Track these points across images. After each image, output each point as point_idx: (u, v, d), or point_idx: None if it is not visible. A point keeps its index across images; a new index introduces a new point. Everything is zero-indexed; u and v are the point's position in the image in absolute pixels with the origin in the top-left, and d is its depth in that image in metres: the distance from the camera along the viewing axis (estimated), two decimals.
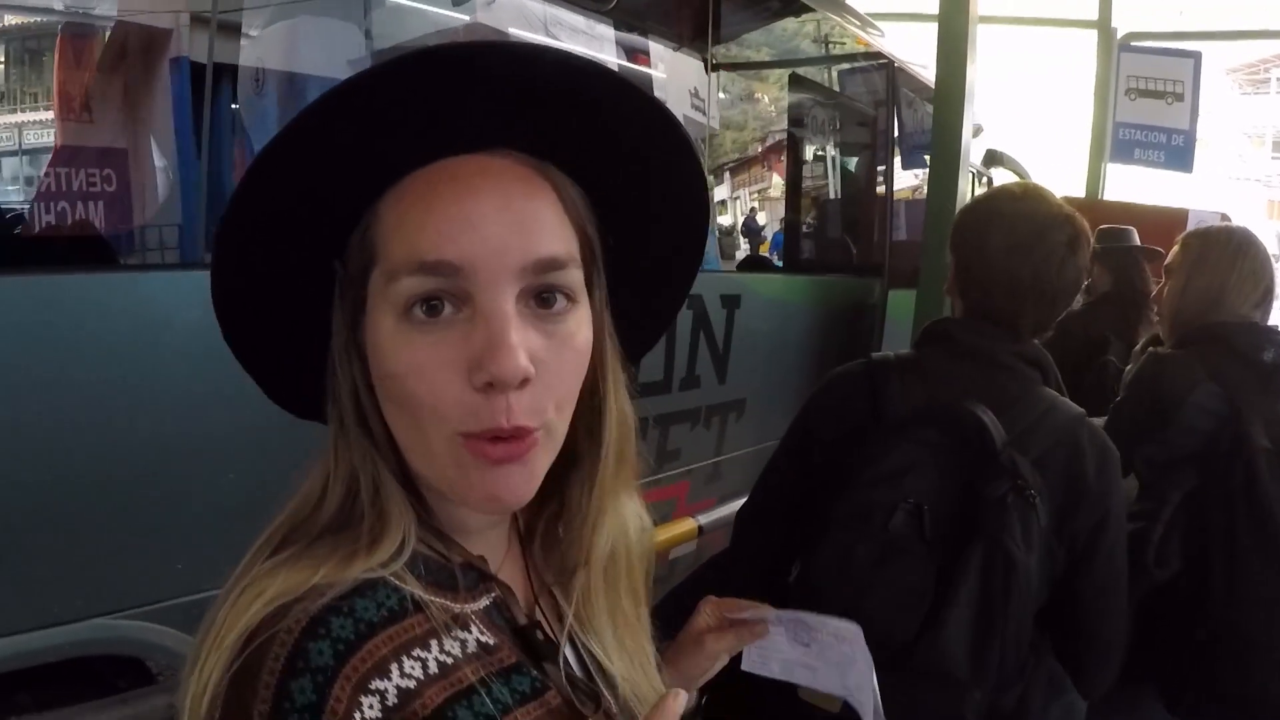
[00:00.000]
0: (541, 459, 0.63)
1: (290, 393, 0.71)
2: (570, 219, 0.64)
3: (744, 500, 1.71)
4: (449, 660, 0.61)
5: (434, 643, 0.61)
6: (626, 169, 0.67)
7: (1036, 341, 1.58)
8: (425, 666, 0.60)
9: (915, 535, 1.37)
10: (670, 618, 1.65)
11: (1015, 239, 1.50)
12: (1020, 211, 1.53)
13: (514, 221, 0.60)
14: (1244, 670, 1.84)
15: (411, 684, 0.58)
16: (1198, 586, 1.86)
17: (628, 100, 0.64)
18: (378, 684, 0.57)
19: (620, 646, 0.75)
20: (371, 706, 0.56)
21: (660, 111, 0.67)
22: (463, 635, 0.63)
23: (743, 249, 4.65)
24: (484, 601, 0.67)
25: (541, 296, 0.61)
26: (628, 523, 0.75)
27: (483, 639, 0.64)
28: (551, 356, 0.61)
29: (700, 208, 0.74)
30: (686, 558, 3.38)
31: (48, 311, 1.69)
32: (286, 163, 0.60)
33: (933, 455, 1.40)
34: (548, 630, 0.71)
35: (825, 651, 0.99)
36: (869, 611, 1.32)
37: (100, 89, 1.96)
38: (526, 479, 0.62)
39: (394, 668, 0.58)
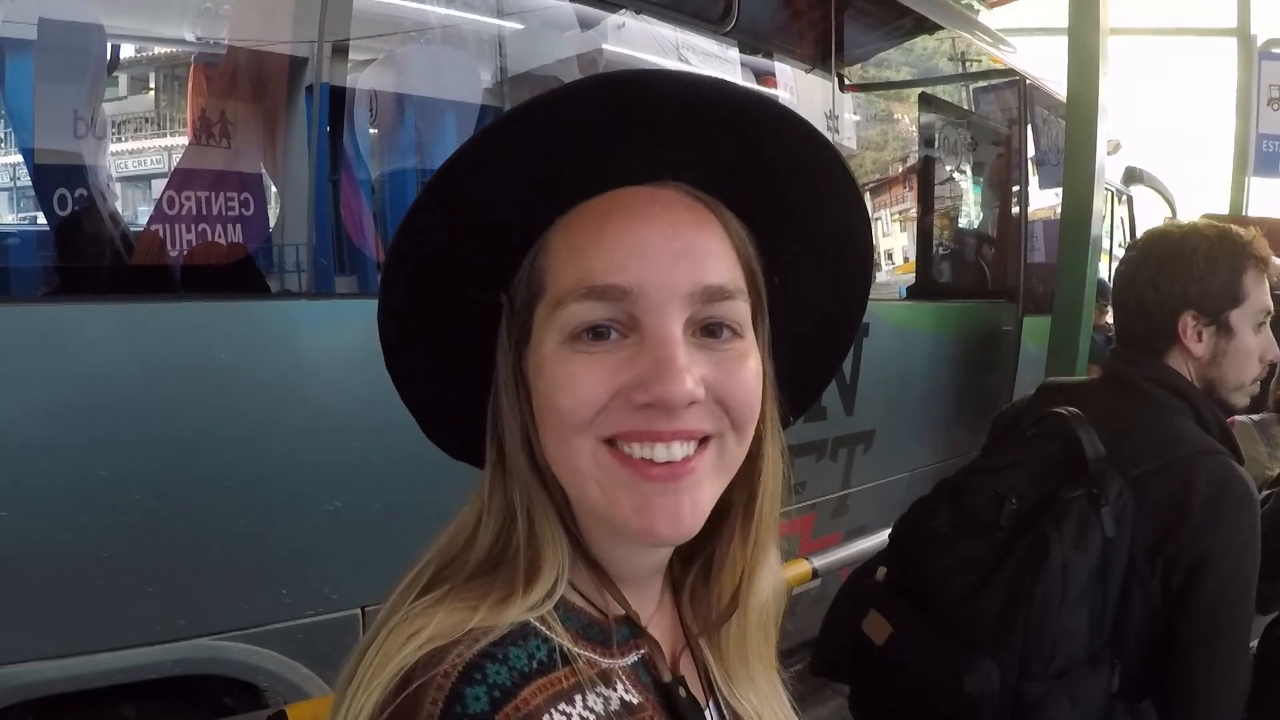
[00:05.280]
0: (707, 486, 0.61)
1: (446, 430, 0.70)
2: (737, 253, 0.63)
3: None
4: (591, 717, 0.60)
5: (579, 697, 0.60)
6: (789, 208, 0.66)
7: (1178, 370, 1.60)
8: None
9: (992, 519, 1.50)
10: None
11: (1128, 259, 1.67)
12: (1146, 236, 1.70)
13: (683, 249, 0.59)
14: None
15: None
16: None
17: (793, 132, 0.62)
18: None
19: (767, 701, 0.74)
20: None
21: (825, 147, 0.64)
22: (606, 693, 0.62)
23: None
24: (632, 658, 0.66)
25: (708, 328, 0.60)
26: (772, 573, 0.73)
27: (627, 697, 0.63)
28: (723, 377, 0.60)
29: (864, 256, 0.73)
30: (808, 594, 3.29)
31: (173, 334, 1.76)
32: (455, 192, 0.59)
33: (1039, 460, 1.53)
34: (690, 687, 0.69)
35: None
36: (927, 568, 1.51)
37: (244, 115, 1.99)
38: (691, 506, 0.60)
39: (545, 719, 0.57)
